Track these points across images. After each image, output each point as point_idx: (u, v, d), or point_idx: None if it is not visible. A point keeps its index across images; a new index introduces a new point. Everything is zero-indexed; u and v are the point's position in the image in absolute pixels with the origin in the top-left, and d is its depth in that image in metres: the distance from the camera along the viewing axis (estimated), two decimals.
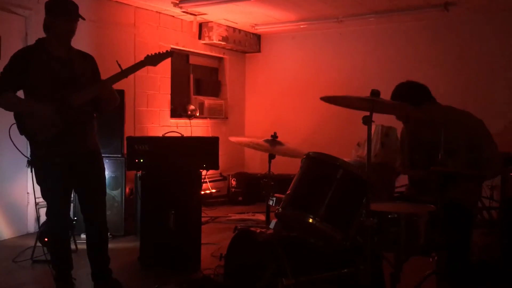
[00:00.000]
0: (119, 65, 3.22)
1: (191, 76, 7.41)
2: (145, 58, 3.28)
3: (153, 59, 3.28)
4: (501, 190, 4.47)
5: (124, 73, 3.20)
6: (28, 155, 3.30)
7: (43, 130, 3.10)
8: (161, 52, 3.31)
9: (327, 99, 2.53)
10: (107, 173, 4.94)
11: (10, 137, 3.30)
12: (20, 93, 3.21)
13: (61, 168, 3.19)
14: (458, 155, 2.85)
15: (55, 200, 3.26)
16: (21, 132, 3.15)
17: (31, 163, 3.24)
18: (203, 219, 4.65)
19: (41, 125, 3.09)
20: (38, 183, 3.26)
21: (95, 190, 3.37)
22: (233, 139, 3.44)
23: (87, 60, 3.33)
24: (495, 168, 2.93)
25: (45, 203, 3.32)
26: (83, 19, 3.20)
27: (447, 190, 2.62)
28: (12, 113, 3.19)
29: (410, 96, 2.97)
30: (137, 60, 3.29)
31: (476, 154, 2.88)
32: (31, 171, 3.26)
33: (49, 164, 3.17)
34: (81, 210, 3.42)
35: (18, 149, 3.38)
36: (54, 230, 3.36)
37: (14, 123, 3.18)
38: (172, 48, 6.67)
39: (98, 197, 3.39)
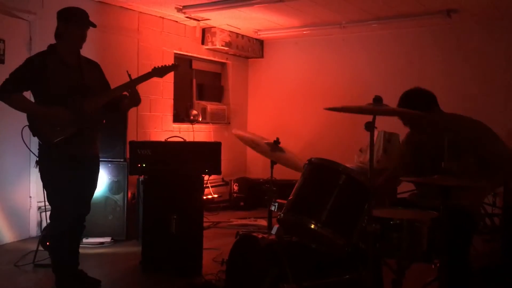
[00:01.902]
0: (129, 75, 3.42)
1: (194, 81, 7.43)
2: (153, 70, 3.50)
3: (160, 71, 3.49)
4: (504, 197, 4.46)
5: (133, 82, 3.42)
6: (34, 158, 3.39)
7: (57, 132, 3.22)
8: (168, 65, 3.56)
9: (332, 109, 2.53)
10: (109, 178, 5.01)
11: (22, 138, 3.42)
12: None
13: (70, 168, 3.31)
14: (463, 159, 2.83)
15: (65, 201, 3.34)
16: (34, 134, 3.27)
17: (39, 163, 3.33)
18: (205, 224, 4.64)
19: (55, 127, 3.22)
20: (45, 184, 3.35)
21: (91, 192, 3.54)
22: (235, 131, 3.48)
23: (95, 68, 3.50)
24: (508, 164, 2.85)
25: (49, 207, 3.38)
26: (94, 26, 3.34)
27: (450, 196, 2.61)
28: (14, 117, 3.24)
29: (419, 103, 2.95)
30: (140, 65, 3.41)
31: (483, 154, 2.84)
32: (39, 171, 3.35)
33: (59, 165, 3.29)
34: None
35: (30, 149, 3.49)
36: (61, 231, 3.39)
37: (26, 125, 3.29)
38: (175, 53, 6.71)
39: (91, 198, 3.56)
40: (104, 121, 3.50)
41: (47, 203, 3.39)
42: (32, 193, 5.01)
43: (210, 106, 7.34)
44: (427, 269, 2.79)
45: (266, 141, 3.35)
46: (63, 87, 3.24)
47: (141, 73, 3.54)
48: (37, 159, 3.34)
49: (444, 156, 2.57)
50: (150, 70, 3.52)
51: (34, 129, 3.25)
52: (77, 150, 3.31)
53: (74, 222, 3.44)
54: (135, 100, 3.52)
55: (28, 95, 3.33)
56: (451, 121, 3.00)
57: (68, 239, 3.43)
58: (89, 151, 3.42)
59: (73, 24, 3.27)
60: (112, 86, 3.60)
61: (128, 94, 3.49)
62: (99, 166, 3.57)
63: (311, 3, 5.73)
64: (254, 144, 3.37)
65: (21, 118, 4.60)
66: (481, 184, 2.80)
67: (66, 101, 3.23)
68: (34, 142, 3.44)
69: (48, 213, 4.57)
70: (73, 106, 3.23)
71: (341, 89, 7.11)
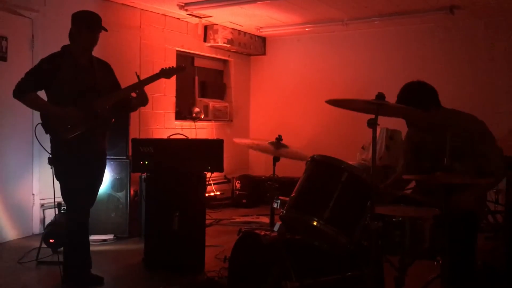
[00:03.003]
0: (138, 76, 3.55)
1: (196, 78, 7.43)
2: (160, 71, 3.61)
3: (167, 72, 3.61)
4: (506, 194, 4.45)
5: (141, 83, 3.54)
6: (45, 156, 3.49)
7: (68, 130, 3.33)
8: (175, 67, 3.69)
9: (332, 102, 2.53)
10: (112, 175, 5.02)
11: (36, 136, 3.47)
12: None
13: (80, 164, 3.42)
14: (464, 157, 2.83)
15: (77, 195, 3.46)
16: (47, 131, 3.40)
17: (52, 160, 3.43)
18: (207, 222, 4.65)
19: (67, 125, 3.32)
20: (58, 179, 3.45)
21: (98, 187, 3.65)
22: (237, 140, 3.47)
23: (106, 68, 3.61)
24: (497, 168, 2.84)
25: (52, 204, 3.47)
26: (106, 30, 3.45)
27: (452, 195, 2.61)
28: (17, 115, 3.26)
29: (418, 98, 2.94)
30: (143, 62, 3.43)
31: (477, 153, 2.83)
32: (51, 168, 3.45)
33: (71, 161, 3.40)
34: None
35: (43, 147, 3.54)
36: (75, 225, 3.50)
37: (39, 123, 3.40)
38: (177, 50, 6.71)
39: (97, 193, 3.66)
40: (113, 120, 3.61)
41: (50, 201, 3.43)
42: (35, 190, 5.02)
43: (212, 104, 7.33)
44: (429, 266, 2.79)
45: (269, 141, 3.35)
46: (75, 88, 3.36)
47: (144, 70, 3.57)
48: (50, 155, 3.44)
49: (446, 153, 2.57)
50: (152, 67, 3.59)
51: (47, 127, 3.38)
52: (87, 147, 3.43)
53: (87, 215, 3.55)
54: (143, 100, 3.65)
55: (42, 94, 3.42)
56: (451, 117, 2.99)
57: (86, 234, 3.57)
58: (98, 148, 3.54)
59: (85, 28, 3.38)
60: None
61: (135, 95, 3.61)
62: (106, 162, 3.70)
63: (313, 0, 5.72)
64: (258, 148, 3.38)
65: (25, 118, 4.65)
66: (482, 181, 2.79)
67: (77, 101, 3.35)
68: (43, 140, 3.51)
69: (52, 210, 4.63)
70: (83, 106, 3.34)
71: (343, 86, 7.10)
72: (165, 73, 3.60)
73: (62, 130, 3.33)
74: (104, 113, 3.46)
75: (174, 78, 6.64)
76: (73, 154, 3.39)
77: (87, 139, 3.40)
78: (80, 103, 3.35)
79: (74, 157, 3.40)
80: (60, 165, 3.43)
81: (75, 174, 3.41)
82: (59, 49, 3.47)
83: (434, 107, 2.99)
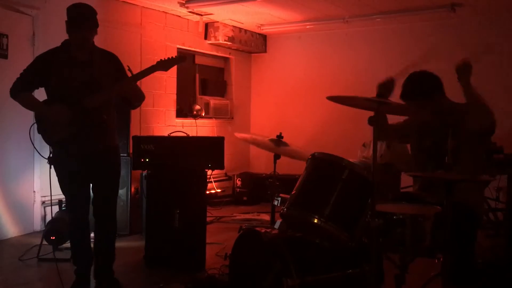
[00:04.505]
0: (130, 71, 3.29)
1: (197, 76, 7.42)
2: (157, 63, 3.32)
3: (165, 64, 3.31)
4: (507, 192, 4.45)
5: (135, 77, 3.27)
6: (43, 154, 3.39)
7: (57, 131, 3.20)
8: (173, 57, 3.37)
9: (333, 99, 2.53)
10: None
11: (30, 136, 3.39)
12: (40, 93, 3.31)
13: (76, 166, 3.27)
14: (464, 144, 2.82)
15: (72, 196, 3.36)
16: (39, 132, 3.28)
17: (51, 160, 3.30)
18: (208, 219, 4.65)
19: (55, 126, 3.19)
20: (57, 177, 3.35)
21: (104, 188, 3.42)
22: (238, 135, 3.47)
23: (110, 61, 3.36)
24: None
25: (53, 201, 3.41)
26: (96, 26, 3.24)
27: (453, 192, 2.61)
28: (18, 113, 3.24)
29: (422, 86, 2.95)
30: (144, 60, 3.36)
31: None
32: (50, 168, 3.33)
33: (64, 162, 3.28)
34: (93, 207, 3.47)
35: (35, 148, 3.46)
36: (72, 225, 3.45)
37: (34, 123, 3.30)
38: (178, 48, 6.70)
39: (107, 195, 3.44)
40: (105, 116, 3.33)
41: (51, 198, 3.41)
42: (36, 187, 5.03)
43: (213, 101, 7.33)
44: (430, 263, 2.79)
45: (270, 138, 3.35)
46: (68, 84, 3.19)
47: (145, 68, 3.46)
48: (49, 155, 3.32)
49: (448, 155, 2.57)
50: (153, 64, 3.41)
51: (39, 128, 3.27)
52: (79, 148, 3.23)
53: (85, 216, 3.40)
54: (138, 96, 3.43)
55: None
56: (455, 108, 2.99)
57: (83, 233, 3.45)
58: (94, 148, 3.28)
59: (71, 25, 3.18)
60: None
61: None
62: (110, 161, 3.40)
63: None
64: (258, 143, 3.37)
65: (26, 115, 4.61)
66: (483, 178, 2.80)
67: (70, 98, 3.16)
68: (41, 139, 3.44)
69: (52, 207, 4.63)
70: (74, 104, 3.16)
71: (344, 84, 7.09)
72: (162, 65, 3.29)
73: (52, 131, 3.20)
74: (96, 111, 3.22)
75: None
76: (67, 156, 3.24)
77: (79, 140, 3.21)
78: (71, 101, 3.16)
79: (68, 159, 3.24)
80: (56, 166, 3.30)
81: (69, 177, 3.28)
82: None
83: (438, 95, 2.99)
